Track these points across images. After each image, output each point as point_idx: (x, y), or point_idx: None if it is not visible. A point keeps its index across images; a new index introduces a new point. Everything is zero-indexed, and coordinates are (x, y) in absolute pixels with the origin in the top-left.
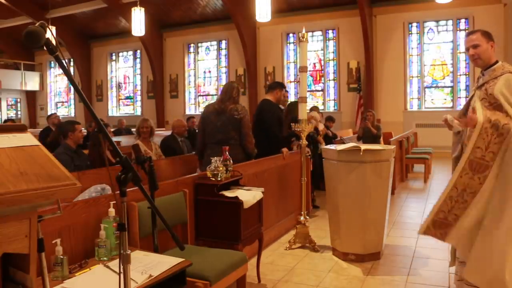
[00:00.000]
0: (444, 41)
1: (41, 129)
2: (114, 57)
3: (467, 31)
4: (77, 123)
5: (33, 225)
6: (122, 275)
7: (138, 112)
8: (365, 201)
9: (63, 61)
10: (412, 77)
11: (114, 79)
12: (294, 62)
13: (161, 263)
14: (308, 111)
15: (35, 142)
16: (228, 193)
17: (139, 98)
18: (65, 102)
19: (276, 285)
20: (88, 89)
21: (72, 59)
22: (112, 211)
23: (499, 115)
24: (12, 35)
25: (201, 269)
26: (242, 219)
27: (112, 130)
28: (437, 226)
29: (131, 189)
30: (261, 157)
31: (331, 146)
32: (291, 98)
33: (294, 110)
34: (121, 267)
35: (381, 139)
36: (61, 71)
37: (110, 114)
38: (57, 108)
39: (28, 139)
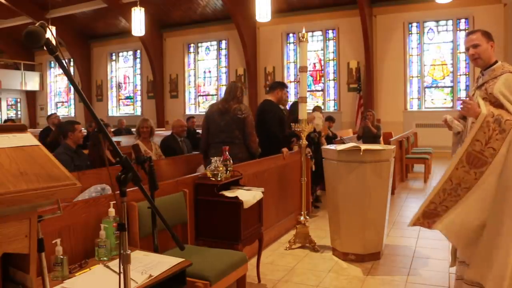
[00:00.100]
0: (444, 41)
1: (41, 129)
2: (114, 57)
3: (467, 31)
4: (77, 123)
5: (33, 225)
6: (122, 275)
7: (138, 112)
8: (365, 201)
9: (63, 61)
10: (412, 77)
11: (114, 79)
12: (294, 62)
13: (161, 263)
14: (311, 111)
15: (35, 142)
16: (228, 193)
17: (139, 98)
18: (65, 102)
19: (276, 285)
20: (88, 89)
21: (72, 59)
22: (112, 211)
23: (502, 111)
24: (12, 35)
25: (201, 269)
26: (242, 219)
27: (112, 130)
28: (427, 217)
29: (131, 189)
30: (262, 157)
31: (331, 146)
32: (291, 98)
33: (297, 110)
34: (121, 267)
35: (381, 139)
36: (61, 71)
37: (110, 114)
38: (57, 108)
39: (28, 139)
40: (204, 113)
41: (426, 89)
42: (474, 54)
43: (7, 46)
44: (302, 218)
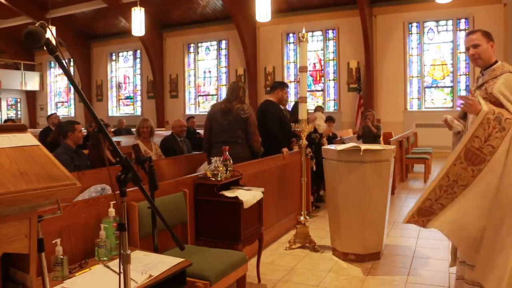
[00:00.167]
0: (444, 41)
1: (41, 129)
2: (114, 57)
3: (467, 31)
4: (76, 123)
5: (33, 225)
6: (122, 275)
7: (138, 112)
8: (365, 201)
9: (63, 61)
10: (412, 77)
11: (114, 79)
12: (294, 62)
13: (161, 263)
14: (312, 111)
15: (35, 142)
16: (228, 193)
17: (139, 98)
18: (65, 102)
19: (276, 285)
20: (88, 89)
21: (72, 59)
22: (112, 211)
23: (503, 110)
24: (12, 35)
25: (201, 269)
26: (242, 219)
27: (112, 130)
28: (422, 214)
29: (131, 189)
30: (263, 157)
31: (331, 146)
32: (291, 98)
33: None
34: (121, 267)
35: (381, 138)
36: (61, 71)
37: (110, 114)
38: (57, 108)
39: (28, 139)
40: (204, 113)
41: (426, 89)
42: (474, 54)
43: (7, 46)
44: (302, 218)
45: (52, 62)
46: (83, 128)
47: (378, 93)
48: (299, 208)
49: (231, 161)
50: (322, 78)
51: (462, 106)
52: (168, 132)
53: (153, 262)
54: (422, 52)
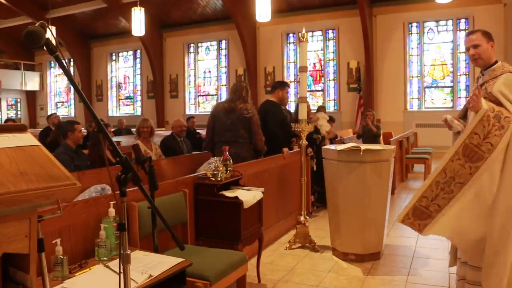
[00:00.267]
0: (444, 41)
1: (41, 129)
2: (114, 57)
3: (467, 31)
4: (76, 123)
5: (33, 225)
6: (122, 275)
7: (138, 112)
8: (365, 201)
9: (63, 61)
10: (412, 77)
11: (114, 79)
12: (294, 62)
13: (161, 263)
14: (315, 111)
15: (35, 142)
16: (228, 193)
17: (139, 98)
18: (65, 102)
19: (276, 285)
20: (88, 89)
21: (72, 59)
22: (112, 211)
23: (503, 108)
24: (12, 35)
25: (201, 269)
26: (242, 219)
27: (112, 130)
28: (417, 215)
29: (131, 189)
30: (264, 157)
31: (331, 146)
32: (291, 98)
33: None
34: (121, 267)
35: (381, 138)
36: (61, 71)
37: (110, 114)
38: (57, 108)
39: (28, 139)
40: (204, 113)
41: (426, 89)
42: (475, 54)
43: (7, 46)
44: (302, 218)
45: (52, 62)
46: (83, 128)
47: (378, 93)
48: (299, 208)
49: (231, 161)
50: (322, 78)
51: (467, 100)
52: (168, 132)
53: (153, 262)
54: (422, 52)
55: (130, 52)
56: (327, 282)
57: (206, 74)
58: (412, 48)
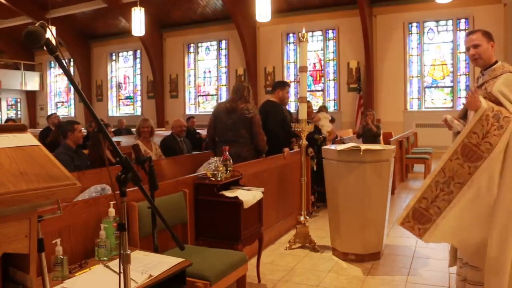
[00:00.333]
0: (444, 41)
1: (41, 129)
2: (114, 57)
3: (467, 31)
4: (76, 123)
5: (33, 225)
6: (122, 275)
7: (138, 112)
8: (365, 201)
9: (63, 61)
10: (412, 77)
11: (114, 79)
12: (294, 62)
13: (161, 263)
14: (316, 111)
15: (35, 142)
16: (228, 193)
17: (139, 98)
18: (65, 102)
19: (276, 285)
20: (88, 89)
21: (72, 59)
22: (112, 211)
23: (502, 108)
24: (12, 35)
25: (201, 269)
26: (242, 219)
27: (112, 130)
28: (416, 218)
29: (131, 189)
30: (265, 157)
31: (331, 146)
32: (291, 98)
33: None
34: (121, 267)
35: (381, 137)
36: (61, 71)
37: (110, 114)
38: (57, 108)
39: (28, 139)
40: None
41: (426, 89)
42: (475, 54)
43: (7, 46)
44: (302, 218)
45: (52, 62)
46: (83, 128)
47: (378, 93)
48: (299, 208)
49: (231, 161)
50: (322, 78)
51: (466, 99)
52: (168, 132)
53: (153, 262)
54: (422, 52)
55: (130, 52)
56: (327, 282)
57: (206, 74)
58: (412, 48)
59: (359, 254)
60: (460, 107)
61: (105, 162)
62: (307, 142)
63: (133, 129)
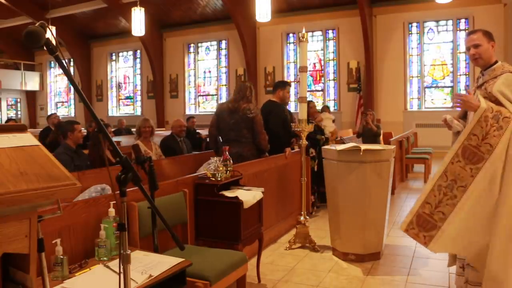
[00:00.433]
0: (444, 41)
1: (41, 129)
2: (114, 57)
3: (467, 31)
4: (76, 123)
5: (33, 225)
6: (122, 275)
7: (138, 112)
8: (365, 201)
9: (63, 61)
10: (412, 77)
11: (114, 79)
12: (294, 62)
13: (161, 263)
14: (319, 111)
15: (35, 142)
16: (228, 193)
17: (139, 98)
18: (65, 102)
19: (276, 285)
20: (88, 89)
21: (72, 59)
22: (112, 211)
23: (502, 108)
24: (12, 35)
25: (201, 269)
26: (242, 219)
27: (112, 130)
28: (421, 225)
29: (131, 189)
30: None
31: (331, 146)
32: (291, 98)
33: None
34: (121, 267)
35: (381, 137)
36: (61, 71)
37: (110, 114)
38: (57, 108)
39: (28, 139)
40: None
41: (426, 89)
42: (475, 54)
43: (7, 46)
44: (302, 218)
45: (52, 62)
46: (83, 128)
47: (378, 93)
48: (299, 208)
49: (231, 161)
50: (322, 78)
51: (459, 104)
52: (168, 132)
53: (153, 262)
54: (422, 52)
55: (130, 52)
56: (327, 282)
57: (206, 74)
58: (412, 48)
59: (359, 254)
60: (455, 100)
61: (105, 162)
62: (307, 142)
63: (133, 129)
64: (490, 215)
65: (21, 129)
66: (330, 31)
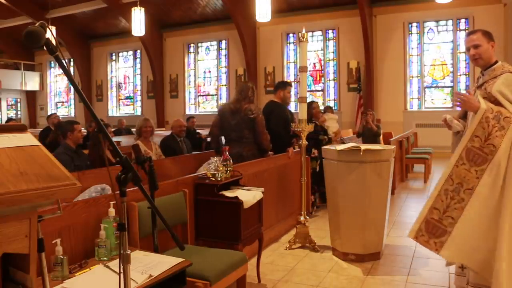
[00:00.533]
0: (444, 41)
1: (41, 129)
2: (114, 57)
3: (467, 31)
4: (76, 123)
5: (33, 225)
6: (122, 275)
7: (138, 112)
8: (365, 201)
9: (63, 61)
10: (412, 77)
11: (114, 79)
12: (294, 62)
13: (161, 263)
14: (322, 111)
15: (35, 142)
16: (228, 193)
17: (139, 98)
18: (65, 102)
19: (276, 285)
20: (88, 89)
21: (72, 59)
22: (112, 211)
23: (502, 108)
24: (12, 35)
25: (201, 269)
26: (242, 219)
27: (112, 130)
28: (430, 231)
29: (131, 189)
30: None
31: (331, 146)
32: (292, 98)
33: (308, 109)
34: (121, 267)
35: (381, 137)
36: (61, 71)
37: (110, 114)
38: (57, 108)
39: (28, 139)
40: (204, 113)
41: (426, 89)
42: (475, 54)
43: (7, 46)
44: (302, 218)
45: (52, 62)
46: (83, 128)
47: (378, 93)
48: (299, 208)
49: (231, 161)
50: (322, 78)
51: (459, 104)
52: (168, 132)
53: (153, 262)
54: (422, 52)
55: (130, 52)
56: (327, 282)
57: (206, 74)
58: (412, 48)
59: (359, 254)
60: (454, 100)
61: (105, 162)
62: (307, 142)
63: (133, 129)
64: (494, 217)
65: (21, 129)
66: (330, 31)
